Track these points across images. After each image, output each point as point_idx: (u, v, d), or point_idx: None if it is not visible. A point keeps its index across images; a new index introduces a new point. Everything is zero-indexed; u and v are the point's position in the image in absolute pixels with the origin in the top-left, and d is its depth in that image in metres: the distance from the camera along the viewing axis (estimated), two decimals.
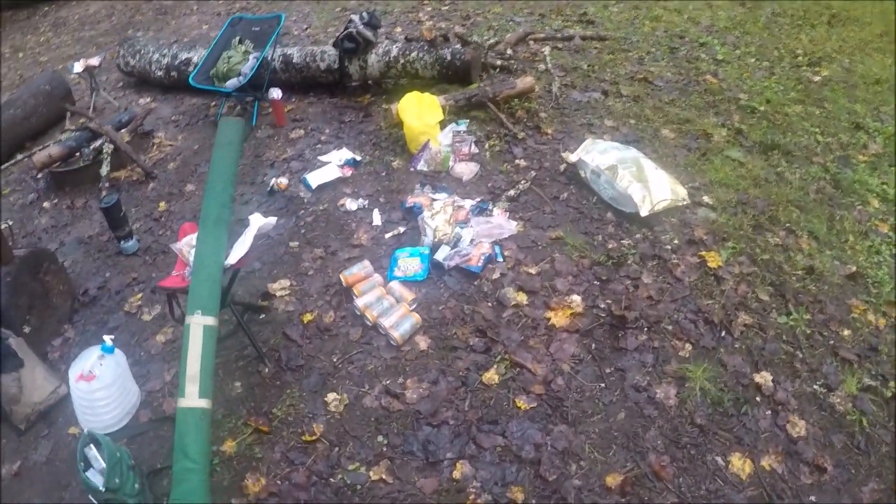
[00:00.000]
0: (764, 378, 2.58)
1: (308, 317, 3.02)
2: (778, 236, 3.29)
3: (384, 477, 2.35)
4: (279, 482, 2.39)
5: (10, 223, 3.71)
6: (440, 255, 3.18)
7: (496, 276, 3.10)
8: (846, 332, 2.80)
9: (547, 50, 5.12)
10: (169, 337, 3.04)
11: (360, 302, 2.97)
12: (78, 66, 4.97)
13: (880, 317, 2.88)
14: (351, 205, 3.68)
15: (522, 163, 3.92)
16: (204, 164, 4.29)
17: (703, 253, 3.16)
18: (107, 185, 4.00)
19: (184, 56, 5.12)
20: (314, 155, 4.19)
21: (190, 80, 4.48)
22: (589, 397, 2.55)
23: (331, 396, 2.65)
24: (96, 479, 2.31)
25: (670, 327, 2.81)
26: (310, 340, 2.91)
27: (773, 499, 2.21)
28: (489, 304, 2.97)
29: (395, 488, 2.32)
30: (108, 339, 2.68)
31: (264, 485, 2.39)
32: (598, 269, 3.12)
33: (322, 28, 6.34)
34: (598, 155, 3.59)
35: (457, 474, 2.32)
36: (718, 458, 2.33)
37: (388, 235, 3.45)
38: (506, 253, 3.23)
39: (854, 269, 3.10)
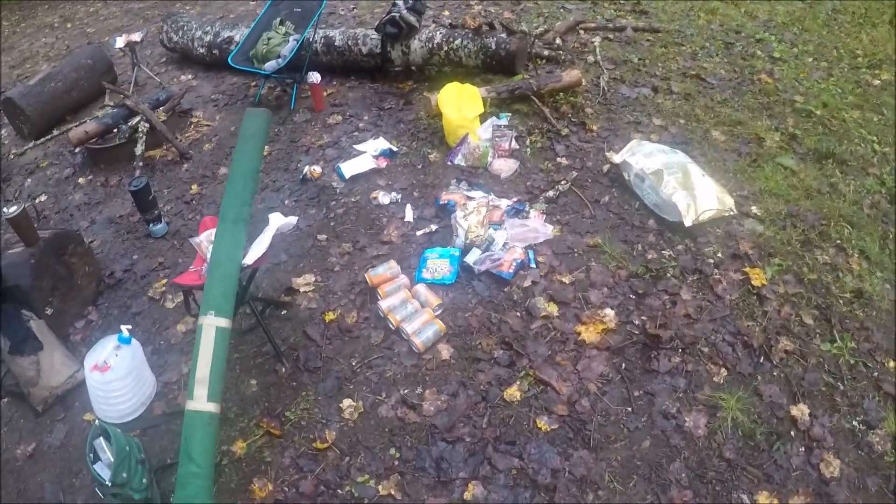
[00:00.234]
0: (801, 411, 2.40)
1: (330, 316, 2.93)
2: (827, 254, 3.06)
3: (393, 493, 2.27)
4: (286, 489, 2.33)
5: (37, 201, 3.70)
6: (471, 259, 3.04)
7: (527, 283, 2.95)
8: (892, 365, 2.58)
9: (597, 41, 4.89)
10: (190, 327, 2.99)
11: (384, 304, 2.86)
12: (120, 42, 4.95)
13: None
14: (384, 198, 3.56)
15: (564, 161, 3.74)
16: None
17: (748, 269, 2.96)
18: (141, 164, 3.98)
19: (226, 34, 5.06)
20: (350, 143, 4.09)
21: (229, 60, 4.41)
22: (614, 421, 2.41)
23: (346, 402, 2.56)
24: (104, 472, 2.28)
25: (706, 349, 2.63)
26: (330, 341, 2.82)
27: None
28: (518, 313, 2.83)
29: None
30: (125, 329, 2.64)
31: (271, 490, 2.33)
32: (634, 282, 2.94)
33: (369, 9, 6.20)
34: (643, 158, 3.39)
35: (468, 495, 2.22)
36: (745, 497, 2.18)
37: (419, 233, 3.32)
38: (539, 259, 3.08)
39: None
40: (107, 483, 2.25)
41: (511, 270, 2.97)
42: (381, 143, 3.98)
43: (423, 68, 4.74)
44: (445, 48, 4.43)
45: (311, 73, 4.36)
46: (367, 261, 3.19)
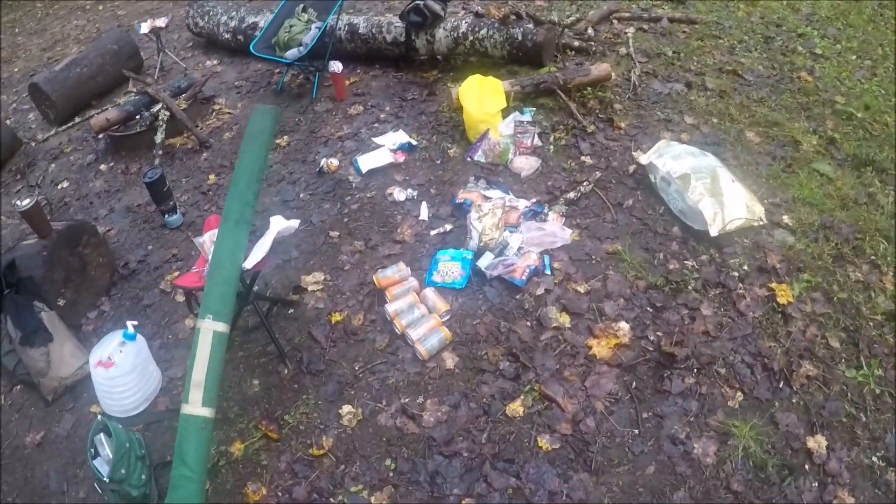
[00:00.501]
0: (818, 443, 2.27)
1: (337, 317, 2.88)
2: (860, 271, 2.88)
3: None
4: (279, 494, 2.32)
5: (59, 187, 3.74)
6: (483, 263, 2.95)
7: (540, 291, 2.85)
8: None
9: (631, 31, 4.70)
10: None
11: (390, 308, 2.80)
12: (145, 27, 4.95)
13: None
14: (399, 195, 3.49)
15: (588, 160, 3.60)
16: None
17: (774, 285, 2.80)
18: (160, 152, 3.98)
19: (251, 20, 5.01)
20: (370, 135, 4.02)
21: (251, 48, 4.37)
22: (619, 444, 2.31)
23: (345, 409, 2.52)
24: (103, 468, 2.31)
25: (723, 371, 2.51)
26: (334, 343, 2.78)
27: None
28: (528, 323, 2.74)
29: None
30: (130, 325, 2.64)
31: (264, 495, 2.32)
32: (653, 294, 2.81)
33: None
34: (670, 160, 3.23)
35: None
36: None
37: (433, 233, 3.25)
38: (555, 265, 2.97)
39: None
40: (104, 479, 2.27)
41: (524, 277, 2.87)
42: (401, 137, 3.89)
43: (448, 58, 4.62)
44: (471, 38, 4.31)
45: (332, 63, 4.28)
46: (378, 260, 3.12)
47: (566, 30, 4.56)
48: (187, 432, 2.13)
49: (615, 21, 4.96)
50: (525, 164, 3.59)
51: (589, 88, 4.08)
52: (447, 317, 2.78)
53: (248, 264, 2.36)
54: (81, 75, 4.73)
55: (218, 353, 2.19)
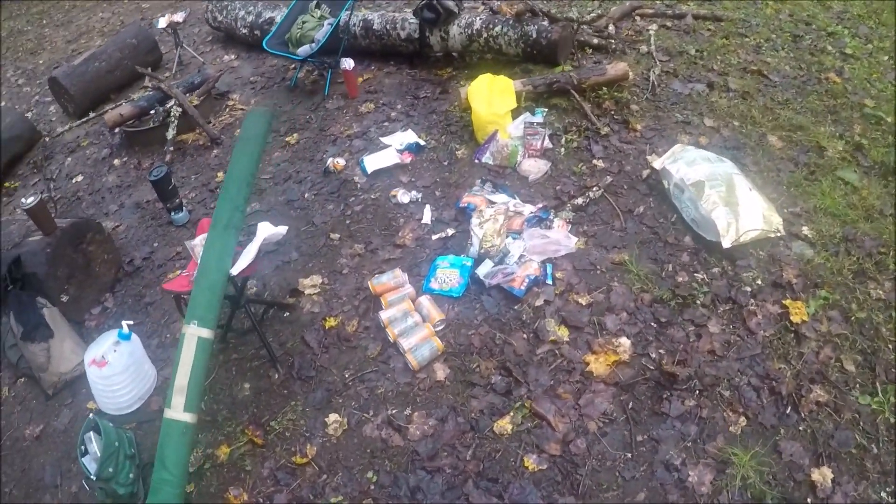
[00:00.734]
0: (823, 476, 2.14)
1: (331, 322, 2.85)
2: (882, 288, 2.72)
3: None
4: (261, 500, 2.30)
5: (73, 181, 3.78)
6: (482, 271, 2.88)
7: (540, 302, 2.77)
8: None
9: (653, 28, 4.55)
10: None
11: (384, 315, 2.76)
12: (162, 22, 4.98)
13: None
14: (403, 197, 3.43)
15: (600, 164, 3.49)
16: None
17: (788, 301, 2.66)
18: (171, 148, 3.99)
19: (268, 15, 5.00)
20: (378, 134, 3.97)
21: (264, 44, 4.35)
22: (609, 468, 2.22)
23: (332, 417, 2.49)
24: (91, 465, 2.32)
25: (727, 393, 2.39)
26: (326, 350, 2.75)
27: None
28: (524, 335, 2.66)
29: None
30: (125, 325, 2.65)
31: (246, 500, 2.31)
32: (658, 308, 2.71)
33: None
34: (684, 166, 3.11)
35: None
36: None
37: (434, 237, 3.19)
38: (557, 274, 2.88)
39: None
40: (92, 477, 2.29)
41: (523, 287, 2.79)
42: (409, 137, 3.83)
43: (463, 55, 4.54)
44: (485, 35, 4.22)
45: (344, 60, 4.24)
46: (377, 265, 3.08)
47: (586, 27, 4.43)
48: (168, 437, 2.14)
49: (638, 18, 4.81)
50: (533, 167, 3.50)
51: (605, 88, 3.95)
52: (441, 326, 2.72)
53: (235, 270, 2.34)
54: (100, 69, 4.78)
55: (202, 359, 2.19)
